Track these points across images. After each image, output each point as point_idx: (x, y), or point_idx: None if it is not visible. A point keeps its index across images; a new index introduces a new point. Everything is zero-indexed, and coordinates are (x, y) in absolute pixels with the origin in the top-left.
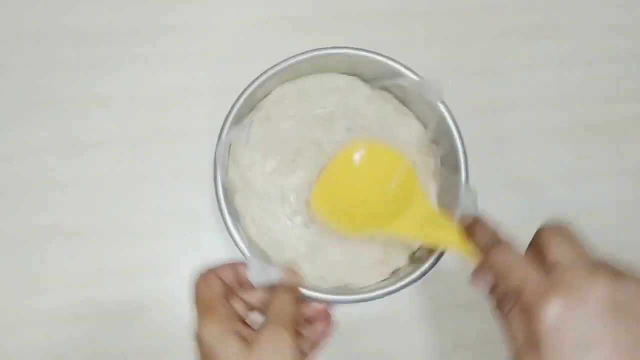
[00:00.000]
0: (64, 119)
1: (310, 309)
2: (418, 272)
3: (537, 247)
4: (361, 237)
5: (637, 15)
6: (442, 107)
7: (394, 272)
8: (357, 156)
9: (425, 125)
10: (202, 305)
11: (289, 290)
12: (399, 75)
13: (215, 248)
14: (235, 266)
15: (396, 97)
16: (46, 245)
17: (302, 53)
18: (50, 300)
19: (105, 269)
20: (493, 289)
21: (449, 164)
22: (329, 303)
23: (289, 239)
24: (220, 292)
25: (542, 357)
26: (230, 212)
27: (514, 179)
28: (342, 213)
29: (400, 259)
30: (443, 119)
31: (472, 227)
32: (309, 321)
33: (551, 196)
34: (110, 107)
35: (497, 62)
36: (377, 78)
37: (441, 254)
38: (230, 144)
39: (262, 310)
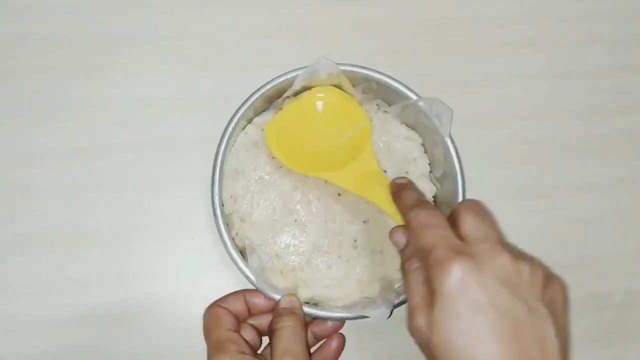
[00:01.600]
0: (63, 124)
1: (320, 327)
2: None
3: (452, 221)
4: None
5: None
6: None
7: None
8: (319, 103)
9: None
10: (213, 344)
11: (294, 317)
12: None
13: (214, 254)
14: (241, 294)
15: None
16: (46, 250)
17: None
18: (50, 304)
19: (105, 273)
20: (405, 247)
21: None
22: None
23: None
24: (230, 326)
25: (434, 315)
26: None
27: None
28: (292, 150)
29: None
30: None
31: (403, 188)
32: (318, 339)
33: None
34: (110, 113)
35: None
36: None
37: None
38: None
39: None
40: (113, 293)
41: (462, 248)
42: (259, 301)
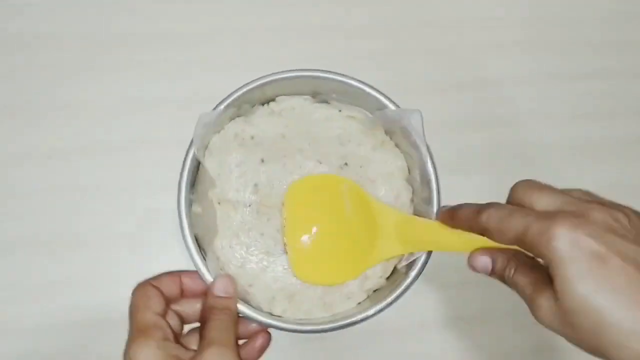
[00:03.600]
0: (45, 125)
1: (248, 327)
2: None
3: (516, 203)
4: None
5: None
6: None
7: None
8: (301, 197)
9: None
10: (137, 326)
11: (228, 310)
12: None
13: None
14: (178, 276)
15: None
16: (20, 254)
17: (300, 70)
18: (22, 309)
19: (76, 277)
20: (494, 265)
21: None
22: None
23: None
24: (159, 309)
25: (558, 287)
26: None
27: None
28: (324, 263)
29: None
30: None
31: (454, 211)
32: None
33: None
34: (89, 115)
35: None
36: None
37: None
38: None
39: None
40: (98, 297)
41: (553, 215)
42: (195, 286)
